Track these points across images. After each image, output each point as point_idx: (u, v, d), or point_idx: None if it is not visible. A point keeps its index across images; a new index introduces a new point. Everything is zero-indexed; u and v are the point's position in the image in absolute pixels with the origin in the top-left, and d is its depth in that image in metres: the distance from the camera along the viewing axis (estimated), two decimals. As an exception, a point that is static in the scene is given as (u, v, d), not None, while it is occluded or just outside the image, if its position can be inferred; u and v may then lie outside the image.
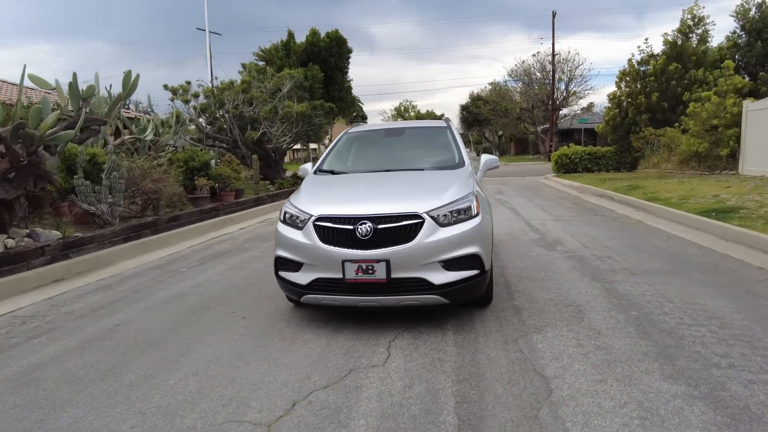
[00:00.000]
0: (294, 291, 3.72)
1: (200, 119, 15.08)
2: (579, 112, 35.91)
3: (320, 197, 3.91)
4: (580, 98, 35.05)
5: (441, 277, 3.46)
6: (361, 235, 3.42)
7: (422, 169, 4.41)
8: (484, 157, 4.86)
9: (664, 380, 2.77)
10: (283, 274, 3.77)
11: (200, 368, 3.21)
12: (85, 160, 8.75)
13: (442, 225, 3.51)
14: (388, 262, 3.38)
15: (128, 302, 4.89)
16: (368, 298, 3.47)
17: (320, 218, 3.58)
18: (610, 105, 18.70)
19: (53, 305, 4.97)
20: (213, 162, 13.04)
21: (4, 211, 6.46)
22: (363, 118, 78.77)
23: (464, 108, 50.95)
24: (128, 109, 17.59)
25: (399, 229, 3.43)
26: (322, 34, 19.93)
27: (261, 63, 19.13)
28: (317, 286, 3.58)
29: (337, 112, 19.87)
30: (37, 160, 6.41)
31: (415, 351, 3.30)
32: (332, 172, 4.65)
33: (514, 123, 39.17)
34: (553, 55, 31.26)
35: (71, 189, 8.31)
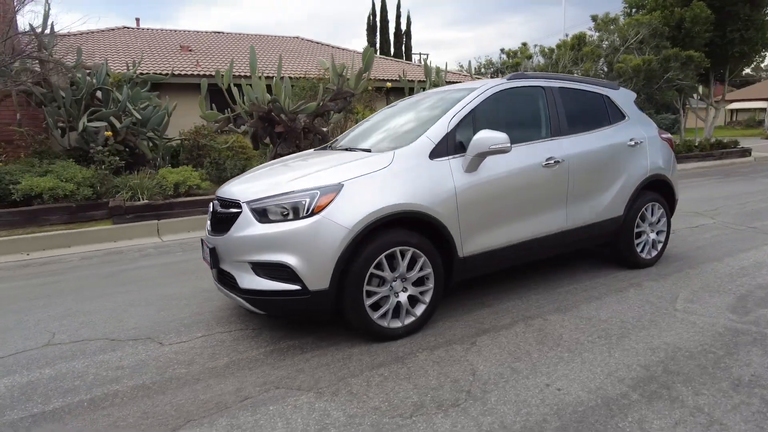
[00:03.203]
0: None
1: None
2: None
3: (249, 173, 3.82)
4: None
5: (249, 280, 2.93)
6: (209, 217, 3.31)
7: (369, 150, 3.44)
8: (478, 136, 3.17)
9: None
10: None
11: (100, 303, 3.97)
12: (364, 125, 10.61)
13: (266, 220, 2.90)
14: (213, 250, 3.16)
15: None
16: (219, 284, 3.34)
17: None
18: None
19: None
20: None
21: (284, 162, 9.03)
22: None
23: None
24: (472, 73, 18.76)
25: (227, 217, 3.10)
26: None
27: (632, 10, 15.90)
28: (209, 260, 3.71)
29: (730, 59, 14.34)
30: (294, 126, 8.52)
31: (202, 349, 3.04)
32: (330, 148, 4.25)
33: None
34: None
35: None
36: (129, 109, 8.69)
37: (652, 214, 4.32)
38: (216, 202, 3.31)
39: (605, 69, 13.04)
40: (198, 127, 10.42)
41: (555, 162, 3.63)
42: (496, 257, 3.46)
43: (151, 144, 9.59)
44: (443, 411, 2.33)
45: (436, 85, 13.25)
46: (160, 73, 10.98)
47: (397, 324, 3.05)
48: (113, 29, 15.62)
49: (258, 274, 2.90)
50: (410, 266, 3.06)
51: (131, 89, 9.02)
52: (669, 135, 4.55)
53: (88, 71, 8.86)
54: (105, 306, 3.91)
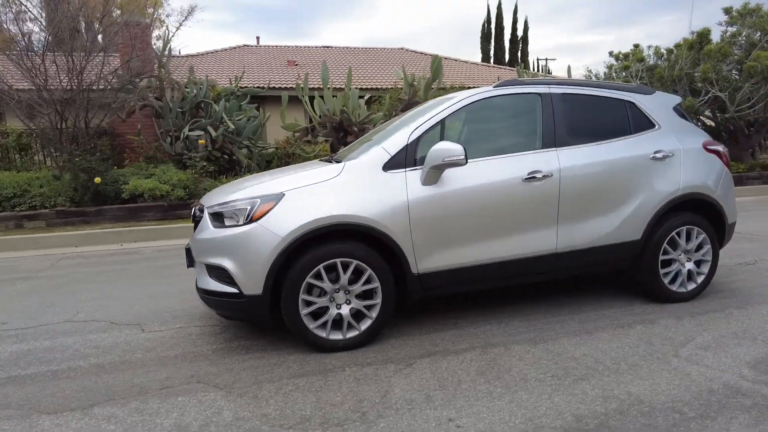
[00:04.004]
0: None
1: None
2: None
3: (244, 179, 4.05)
4: None
5: (203, 280, 3.16)
6: (192, 220, 3.61)
7: (339, 161, 3.44)
8: (433, 147, 2.99)
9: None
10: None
11: (131, 291, 4.57)
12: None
13: (219, 225, 3.10)
14: (188, 251, 3.45)
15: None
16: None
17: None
18: None
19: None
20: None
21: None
22: None
23: None
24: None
25: (199, 220, 3.36)
26: None
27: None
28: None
29: None
30: (362, 134, 8.78)
31: (169, 339, 3.33)
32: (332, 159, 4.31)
33: None
34: None
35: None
36: (225, 120, 9.74)
37: (687, 241, 3.64)
38: (197, 206, 3.62)
39: (738, 68, 11.19)
40: (288, 137, 11.26)
41: (542, 176, 3.28)
42: (463, 276, 3.23)
43: (247, 151, 10.61)
44: (323, 429, 2.28)
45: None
46: (259, 87, 12.08)
47: (337, 336, 3.03)
48: (235, 48, 17.59)
49: (210, 275, 3.12)
50: (356, 279, 3.03)
51: (228, 102, 10.08)
52: (720, 147, 3.80)
53: (195, 86, 10.13)
54: (131, 294, 4.48)
